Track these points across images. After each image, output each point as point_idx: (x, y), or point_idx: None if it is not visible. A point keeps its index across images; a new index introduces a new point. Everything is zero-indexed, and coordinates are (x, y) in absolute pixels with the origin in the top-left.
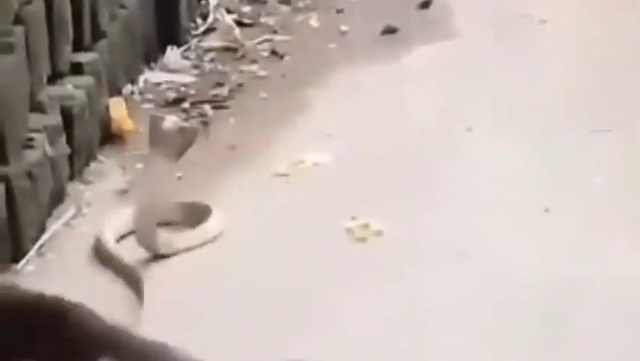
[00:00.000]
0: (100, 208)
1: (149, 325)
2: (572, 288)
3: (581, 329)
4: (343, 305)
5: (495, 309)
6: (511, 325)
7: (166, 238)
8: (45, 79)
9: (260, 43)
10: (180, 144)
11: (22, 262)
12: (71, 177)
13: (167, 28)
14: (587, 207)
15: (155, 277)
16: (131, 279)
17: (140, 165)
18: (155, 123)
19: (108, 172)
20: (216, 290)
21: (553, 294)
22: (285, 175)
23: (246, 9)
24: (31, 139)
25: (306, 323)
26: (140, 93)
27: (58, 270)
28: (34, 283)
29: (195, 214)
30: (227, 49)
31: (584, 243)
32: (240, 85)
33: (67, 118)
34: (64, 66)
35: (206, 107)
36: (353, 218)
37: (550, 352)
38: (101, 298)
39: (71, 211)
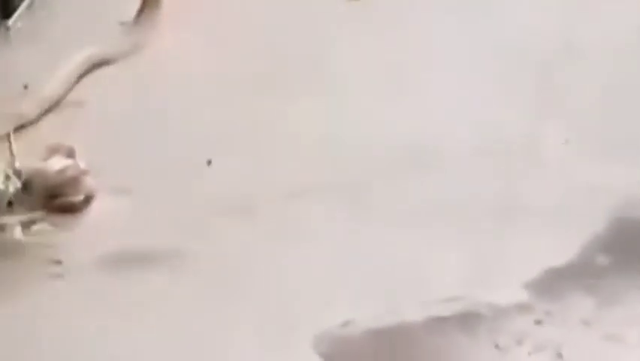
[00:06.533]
0: None
1: None
2: (570, 41)
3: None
4: (340, 61)
5: (497, 55)
6: (512, 70)
7: None
8: None
9: None
10: None
11: (13, 18)
12: None
13: None
14: None
15: None
16: None
17: None
18: None
19: None
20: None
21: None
22: None
23: None
24: None
25: (301, 77)
26: None
27: (48, 27)
28: (24, 41)
29: None
30: None
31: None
32: None
33: None
34: None
35: None
36: None
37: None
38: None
39: None
